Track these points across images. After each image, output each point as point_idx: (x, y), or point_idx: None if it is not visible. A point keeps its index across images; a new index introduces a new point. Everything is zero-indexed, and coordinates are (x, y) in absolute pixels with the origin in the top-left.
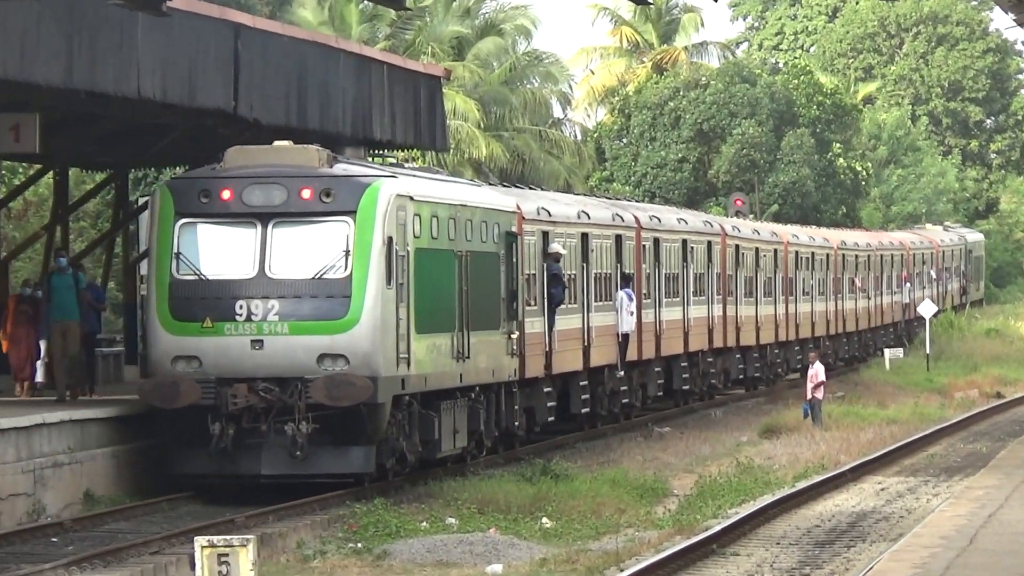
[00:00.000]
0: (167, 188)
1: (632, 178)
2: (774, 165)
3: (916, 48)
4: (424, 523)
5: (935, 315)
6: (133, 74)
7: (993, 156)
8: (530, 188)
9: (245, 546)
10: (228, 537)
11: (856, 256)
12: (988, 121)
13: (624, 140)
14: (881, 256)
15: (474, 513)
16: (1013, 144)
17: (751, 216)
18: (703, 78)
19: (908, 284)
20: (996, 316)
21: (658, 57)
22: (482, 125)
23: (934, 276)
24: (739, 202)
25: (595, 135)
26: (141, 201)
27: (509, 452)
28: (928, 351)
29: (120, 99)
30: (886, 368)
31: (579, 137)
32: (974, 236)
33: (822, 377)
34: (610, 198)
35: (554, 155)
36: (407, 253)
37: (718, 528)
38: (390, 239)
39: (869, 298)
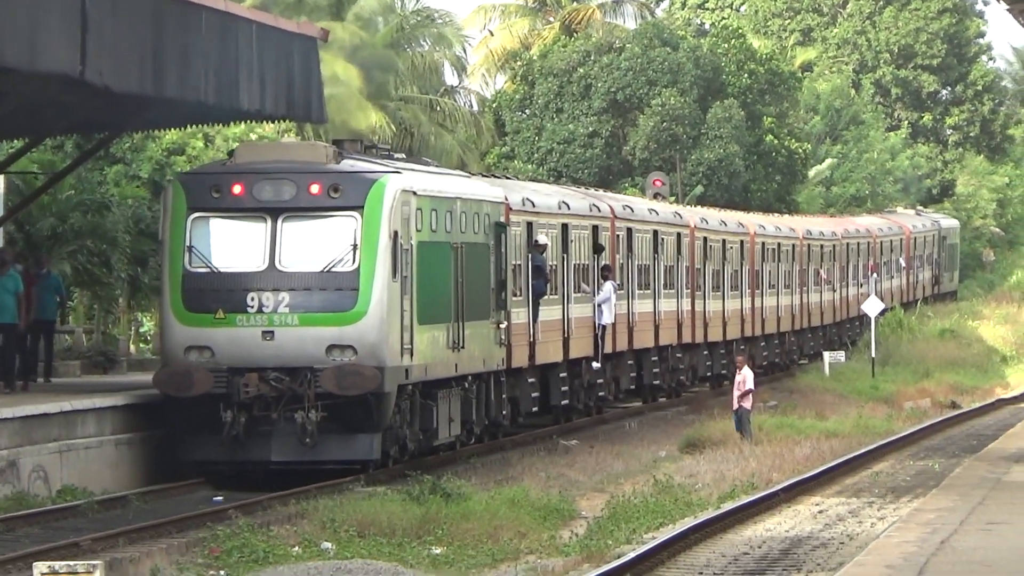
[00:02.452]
0: (179, 183)
1: (536, 155)
2: (698, 141)
3: (862, 7)
4: (296, 548)
5: (882, 313)
6: None
7: (949, 132)
8: (507, 177)
9: (91, 572)
10: (72, 563)
11: (822, 246)
12: (943, 92)
13: (527, 111)
14: (847, 244)
15: (353, 537)
16: (972, 118)
17: (672, 199)
18: (617, 41)
19: (875, 275)
20: (951, 315)
21: (567, 16)
22: (364, 93)
23: (903, 265)
24: (658, 182)
25: (494, 105)
26: None
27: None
28: (874, 355)
29: None
30: (825, 374)
31: (475, 108)
32: (948, 222)
33: (750, 384)
34: (510, 178)
35: (447, 128)
36: (411, 247)
37: (632, 555)
38: (396, 233)
39: (834, 290)
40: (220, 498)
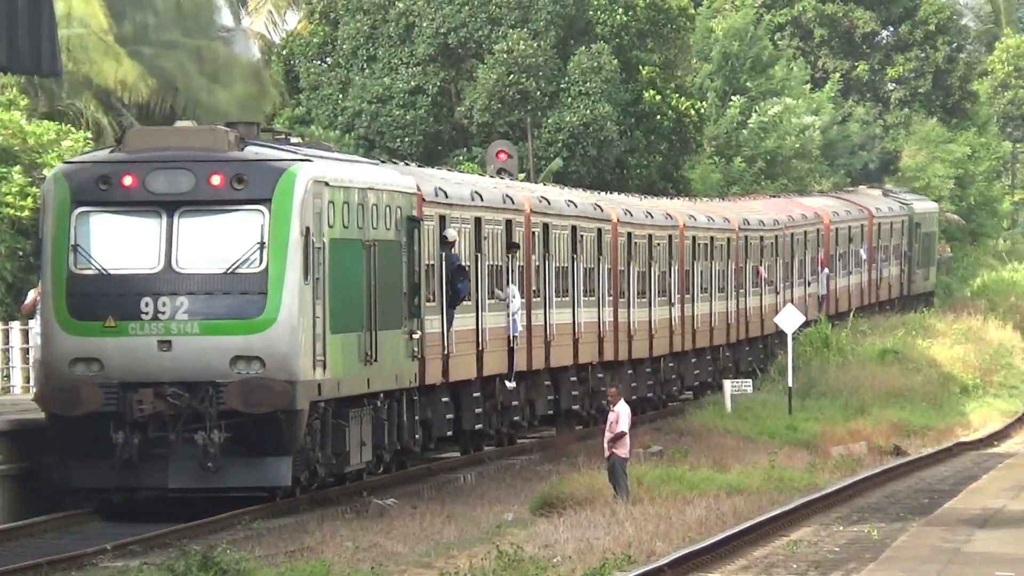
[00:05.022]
0: (61, 174)
1: (340, 117)
2: (557, 99)
3: None
4: None
5: (802, 328)
6: None
7: (891, 87)
8: (401, 162)
9: None
10: None
11: (761, 238)
12: (884, 33)
13: (328, 60)
14: (792, 235)
15: None
16: (922, 69)
17: (522, 176)
18: None
19: (826, 269)
20: (894, 330)
21: None
22: (113, 38)
23: (864, 257)
24: (503, 155)
25: (284, 53)
26: None
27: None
28: (791, 384)
29: None
30: (727, 409)
31: (259, 56)
32: (924, 205)
33: (624, 426)
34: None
35: (221, 82)
36: (323, 244)
37: None
38: (307, 230)
39: (777, 292)
40: None
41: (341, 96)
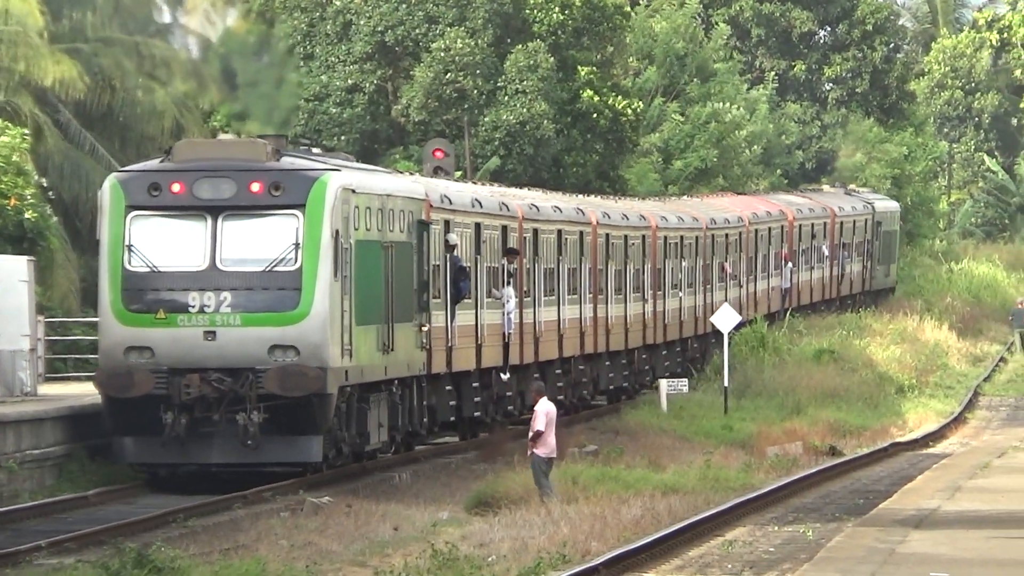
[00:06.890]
0: (117, 181)
1: (276, 115)
2: (494, 97)
3: None
4: None
5: (738, 328)
6: None
7: (828, 87)
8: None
9: None
10: None
11: (727, 235)
12: (821, 33)
13: (265, 58)
14: (756, 231)
15: None
16: (859, 69)
17: (458, 175)
18: None
19: (790, 264)
20: (831, 331)
21: None
22: (46, 35)
23: (826, 253)
24: (439, 153)
25: (222, 50)
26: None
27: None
28: (726, 383)
29: None
30: (662, 409)
31: (197, 54)
32: (885, 204)
33: (540, 425)
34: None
35: (159, 80)
36: (350, 245)
37: None
38: (337, 232)
39: (741, 286)
40: None
41: (277, 93)
